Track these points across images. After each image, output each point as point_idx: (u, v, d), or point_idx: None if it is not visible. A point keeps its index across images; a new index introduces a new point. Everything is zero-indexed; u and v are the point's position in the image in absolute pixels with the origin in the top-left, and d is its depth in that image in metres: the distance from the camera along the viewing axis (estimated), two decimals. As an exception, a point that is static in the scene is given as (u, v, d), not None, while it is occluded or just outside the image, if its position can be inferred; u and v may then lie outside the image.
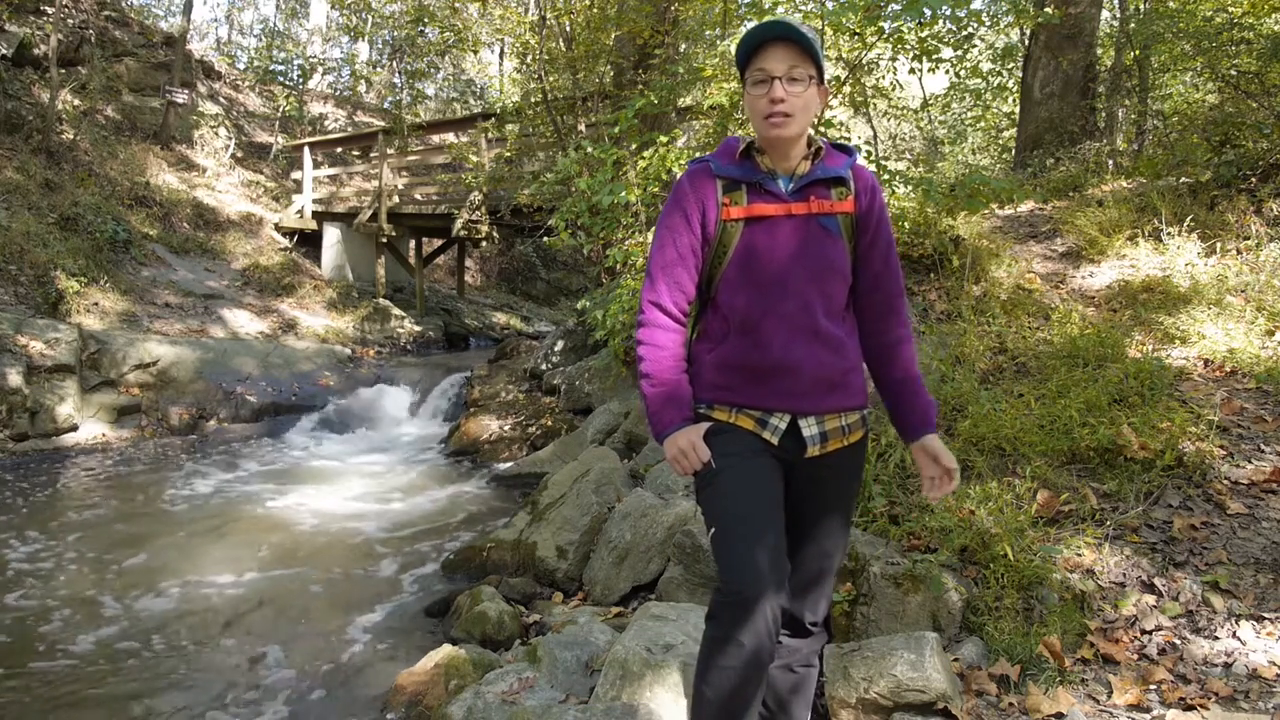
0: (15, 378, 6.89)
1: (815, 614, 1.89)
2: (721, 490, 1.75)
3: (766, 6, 5.89)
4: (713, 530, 1.74)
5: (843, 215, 1.78)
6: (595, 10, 8.83)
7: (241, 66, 20.21)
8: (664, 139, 5.49)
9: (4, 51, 11.79)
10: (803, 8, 6.75)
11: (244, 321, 10.37)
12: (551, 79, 9.26)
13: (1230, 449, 3.22)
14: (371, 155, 13.98)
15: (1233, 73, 6.45)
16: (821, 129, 5.46)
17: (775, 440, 1.77)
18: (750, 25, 7.05)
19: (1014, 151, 10.03)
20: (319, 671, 3.38)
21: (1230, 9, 7.19)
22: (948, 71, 8.21)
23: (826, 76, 1.82)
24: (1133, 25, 9.24)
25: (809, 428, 1.77)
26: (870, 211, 1.81)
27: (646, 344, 1.82)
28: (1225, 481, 3.03)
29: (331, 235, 13.18)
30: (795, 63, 1.70)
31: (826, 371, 1.75)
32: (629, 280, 6.02)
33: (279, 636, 3.70)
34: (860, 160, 1.88)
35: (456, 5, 10.92)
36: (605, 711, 2.35)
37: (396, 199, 12.70)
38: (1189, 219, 5.16)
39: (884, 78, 9.16)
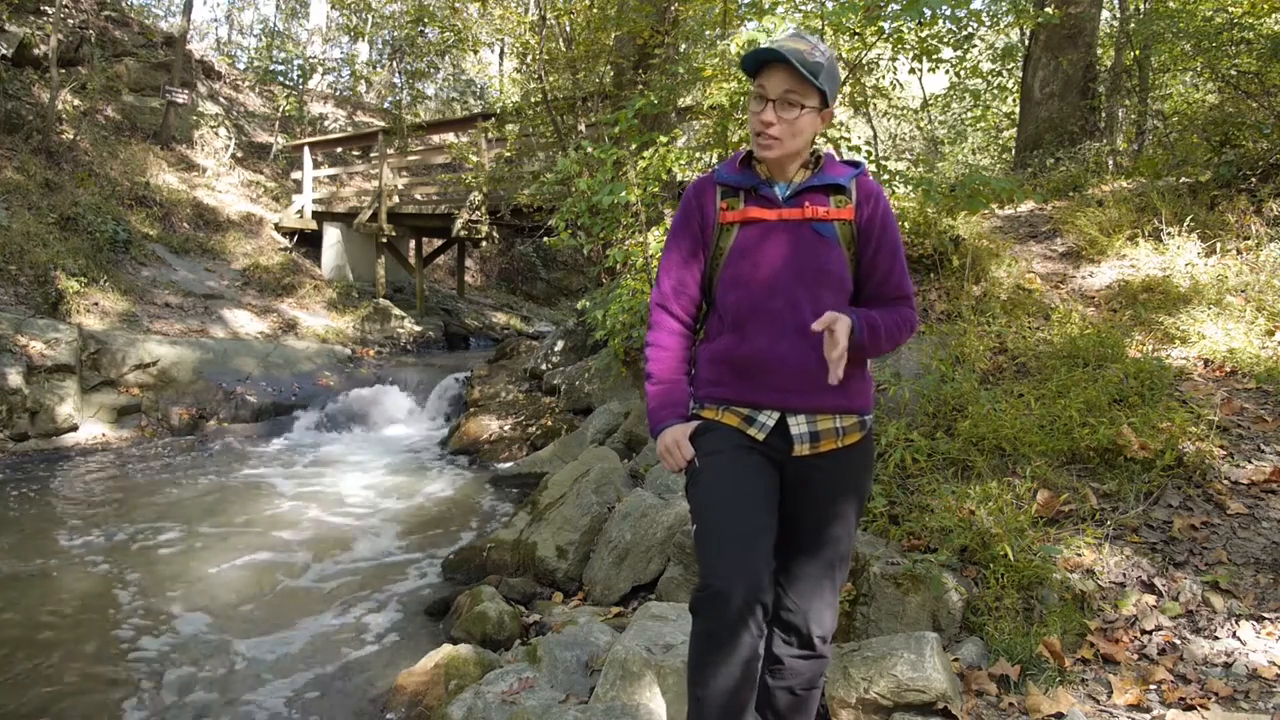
0: (15, 378, 6.89)
1: (821, 626, 1.85)
2: (702, 486, 1.79)
3: (766, 6, 5.88)
4: (695, 526, 1.79)
5: (840, 222, 1.81)
6: (595, 10, 8.83)
7: (241, 66, 20.21)
8: (664, 139, 5.49)
9: (4, 51, 11.79)
10: (803, 8, 6.75)
11: (244, 321, 10.37)
12: (551, 79, 9.25)
13: (1230, 449, 3.22)
14: (371, 155, 13.98)
15: (1233, 73, 6.44)
16: (821, 130, 5.44)
17: (761, 436, 1.79)
18: (750, 26, 7.07)
19: (1014, 151, 10.02)
20: (319, 671, 3.38)
21: (1230, 9, 7.19)
22: (948, 71, 8.21)
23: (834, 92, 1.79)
24: (1133, 25, 9.23)
25: (797, 425, 1.79)
26: (873, 221, 1.83)
27: (651, 344, 1.91)
28: (1225, 481, 3.03)
29: (331, 235, 13.18)
30: (792, 87, 1.72)
31: (814, 368, 1.75)
32: (629, 280, 6.02)
33: (278, 636, 3.70)
34: (869, 167, 1.89)
35: (456, 5, 10.93)
36: (605, 711, 2.35)
37: (396, 199, 12.69)
38: (1189, 219, 5.15)
39: (884, 78, 9.15)
